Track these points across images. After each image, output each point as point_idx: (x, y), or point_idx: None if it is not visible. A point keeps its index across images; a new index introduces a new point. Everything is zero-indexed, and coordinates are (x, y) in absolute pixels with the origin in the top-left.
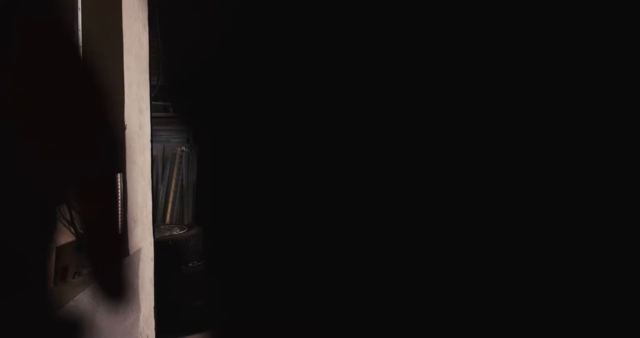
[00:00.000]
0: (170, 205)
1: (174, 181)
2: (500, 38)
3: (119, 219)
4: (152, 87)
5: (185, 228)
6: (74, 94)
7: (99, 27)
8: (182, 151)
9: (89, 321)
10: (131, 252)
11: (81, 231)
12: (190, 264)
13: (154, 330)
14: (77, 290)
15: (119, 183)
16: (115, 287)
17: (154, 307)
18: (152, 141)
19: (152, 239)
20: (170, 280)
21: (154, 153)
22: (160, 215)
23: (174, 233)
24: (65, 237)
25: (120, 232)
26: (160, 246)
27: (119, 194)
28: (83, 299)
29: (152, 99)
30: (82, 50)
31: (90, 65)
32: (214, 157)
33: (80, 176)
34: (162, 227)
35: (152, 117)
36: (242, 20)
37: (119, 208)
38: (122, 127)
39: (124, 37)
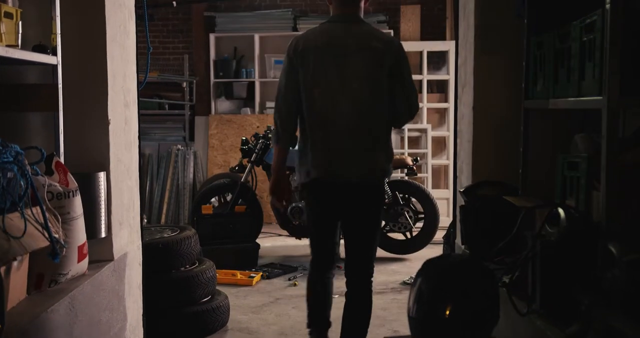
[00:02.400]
0: (165, 205)
1: (169, 180)
2: None
3: (102, 221)
4: (140, 84)
5: (177, 230)
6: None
7: (79, 13)
8: (178, 150)
9: (66, 333)
10: (116, 257)
11: (56, 235)
12: (183, 268)
13: None
14: (53, 299)
15: (101, 183)
16: (97, 296)
17: (143, 315)
18: (140, 138)
19: (140, 242)
20: (161, 286)
21: (148, 152)
22: (155, 216)
23: (165, 235)
24: (39, 242)
25: (103, 235)
26: (150, 249)
27: (102, 195)
28: (59, 309)
29: (146, 95)
30: (60, 37)
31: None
32: None
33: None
34: (152, 229)
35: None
36: None
37: (102, 210)
38: (105, 122)
39: (107, 24)
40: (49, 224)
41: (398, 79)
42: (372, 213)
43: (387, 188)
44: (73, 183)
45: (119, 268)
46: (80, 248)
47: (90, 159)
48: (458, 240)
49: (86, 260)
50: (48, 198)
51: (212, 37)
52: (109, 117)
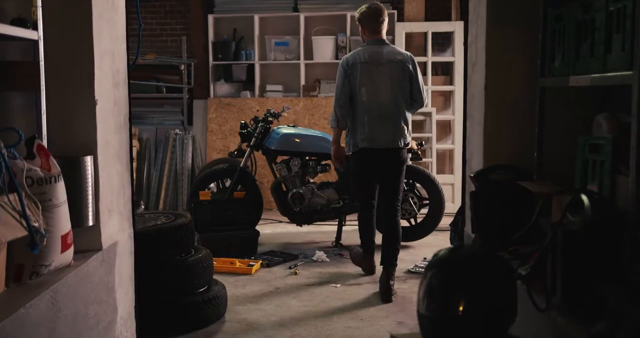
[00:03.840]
0: (163, 191)
1: (167, 166)
2: None
3: (90, 209)
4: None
5: (172, 218)
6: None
7: None
8: (176, 134)
9: (48, 329)
10: (105, 246)
11: (35, 224)
12: (178, 257)
13: (134, 333)
14: (34, 293)
15: (88, 168)
16: (84, 288)
17: (135, 307)
18: (131, 120)
19: (131, 231)
20: (154, 276)
21: (145, 136)
22: (153, 202)
23: (159, 223)
24: (15, 231)
25: (91, 223)
26: (143, 238)
27: (89, 180)
28: (40, 304)
29: (143, 78)
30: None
31: None
32: None
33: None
34: (146, 216)
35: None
36: None
37: (89, 197)
38: (92, 103)
39: None
40: (28, 212)
41: (413, 80)
42: (398, 166)
43: (405, 152)
44: (55, 168)
45: (108, 258)
46: (64, 237)
47: (77, 142)
48: (467, 228)
49: (71, 250)
50: (27, 184)
51: (210, 18)
52: (96, 98)
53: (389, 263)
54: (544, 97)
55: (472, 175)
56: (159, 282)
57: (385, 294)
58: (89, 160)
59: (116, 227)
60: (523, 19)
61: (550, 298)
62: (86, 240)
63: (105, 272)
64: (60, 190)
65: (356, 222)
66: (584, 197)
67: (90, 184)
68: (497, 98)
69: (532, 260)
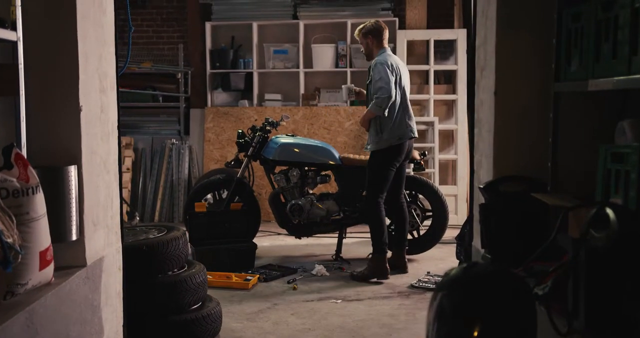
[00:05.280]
0: (159, 202)
1: (163, 176)
2: None
3: (73, 222)
4: (120, 68)
5: (164, 230)
6: None
7: None
8: (173, 144)
9: None
10: (90, 262)
11: (9, 240)
12: (170, 272)
13: None
14: (6, 315)
15: (71, 178)
16: (65, 307)
17: (123, 326)
18: (119, 128)
19: (119, 245)
20: (144, 293)
21: (141, 146)
22: (148, 214)
23: (151, 236)
24: None
25: (74, 238)
26: (133, 252)
27: (72, 191)
28: (13, 327)
29: (139, 86)
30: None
31: None
32: None
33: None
34: (138, 229)
35: (138, 107)
36: None
37: (73, 209)
38: (76, 109)
39: None
40: (1, 227)
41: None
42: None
43: None
44: (34, 179)
45: (93, 275)
46: (43, 253)
47: (59, 151)
48: (476, 243)
49: (51, 267)
50: (2, 196)
51: (208, 25)
52: (81, 103)
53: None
54: (558, 103)
55: (481, 186)
56: (150, 299)
57: (405, 267)
58: (72, 170)
59: (102, 242)
60: (535, 20)
61: (572, 321)
62: (69, 255)
63: (89, 289)
64: (39, 202)
65: (357, 234)
66: (609, 211)
67: (74, 196)
68: (508, 104)
69: (549, 278)
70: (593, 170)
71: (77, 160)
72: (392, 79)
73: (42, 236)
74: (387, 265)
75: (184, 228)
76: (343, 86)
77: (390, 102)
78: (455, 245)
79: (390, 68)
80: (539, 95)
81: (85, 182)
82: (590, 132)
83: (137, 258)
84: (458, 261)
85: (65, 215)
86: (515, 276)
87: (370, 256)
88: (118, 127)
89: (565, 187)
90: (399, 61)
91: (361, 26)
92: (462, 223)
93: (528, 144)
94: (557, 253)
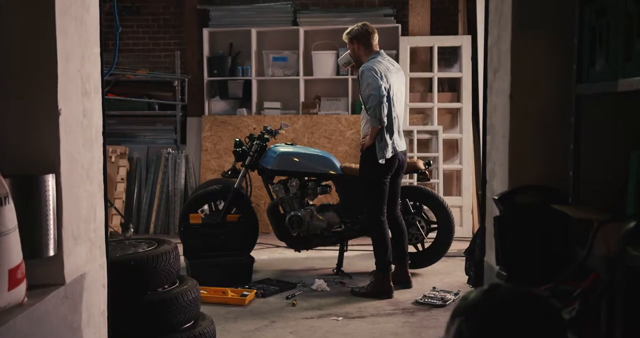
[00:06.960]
0: (154, 213)
1: (158, 187)
2: None
3: (50, 236)
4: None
5: (154, 244)
6: None
7: None
8: (169, 153)
9: None
10: (69, 280)
11: None
12: (160, 289)
13: None
14: None
15: (49, 188)
16: (39, 330)
17: None
18: (105, 134)
19: (104, 260)
20: (132, 311)
21: (136, 156)
22: (143, 225)
23: (140, 250)
24: None
25: (51, 253)
26: (120, 268)
27: (50, 203)
28: None
29: (135, 94)
30: None
31: None
32: None
33: None
34: (126, 242)
35: (133, 115)
36: None
37: (50, 222)
38: (54, 113)
39: None
40: None
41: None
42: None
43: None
44: (3, 189)
45: (72, 294)
46: (12, 272)
47: (35, 159)
48: (488, 258)
49: (22, 286)
50: None
51: (205, 32)
52: (59, 106)
53: (405, 254)
54: (580, 106)
55: (496, 197)
56: (138, 318)
57: (409, 282)
58: (49, 179)
59: (84, 257)
60: (554, 17)
61: None
62: (45, 273)
63: (68, 309)
64: (9, 215)
65: (359, 247)
66: None
67: (51, 208)
68: (524, 108)
69: (576, 301)
70: (613, 179)
71: (55, 168)
72: (383, 85)
73: (12, 252)
74: (392, 283)
75: (178, 241)
76: (342, 51)
77: (384, 105)
78: (462, 259)
79: (379, 75)
80: (558, 98)
81: (65, 192)
82: (617, 137)
83: (124, 274)
84: (467, 277)
85: (42, 228)
86: (544, 301)
87: (374, 273)
88: (103, 133)
89: (589, 198)
90: (389, 67)
91: (348, 30)
92: (466, 236)
93: (546, 151)
94: (581, 272)
